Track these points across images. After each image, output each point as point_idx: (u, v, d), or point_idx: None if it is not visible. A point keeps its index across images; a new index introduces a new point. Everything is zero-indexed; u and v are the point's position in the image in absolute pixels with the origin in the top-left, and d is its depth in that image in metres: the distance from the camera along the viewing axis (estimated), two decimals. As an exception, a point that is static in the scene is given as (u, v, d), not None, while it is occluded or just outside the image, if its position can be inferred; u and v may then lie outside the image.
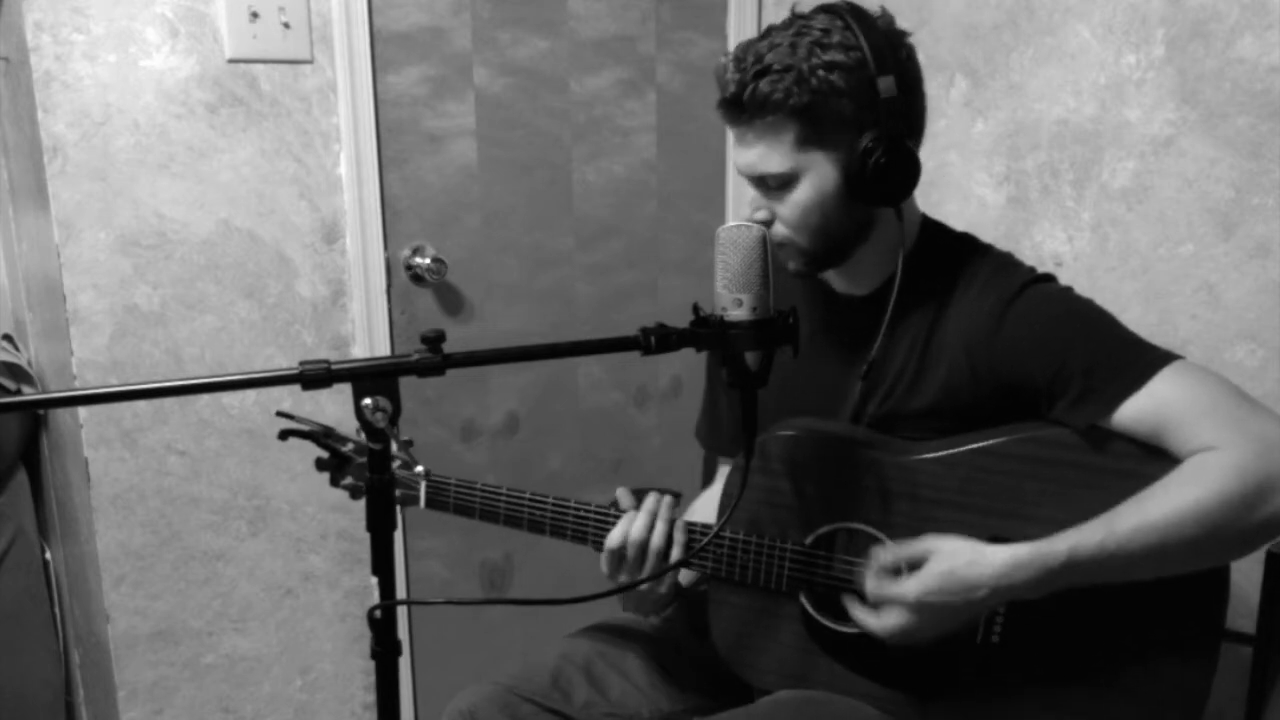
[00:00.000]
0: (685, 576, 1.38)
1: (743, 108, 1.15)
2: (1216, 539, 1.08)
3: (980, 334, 1.19)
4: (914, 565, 1.13)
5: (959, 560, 1.11)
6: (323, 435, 1.33)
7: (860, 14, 1.16)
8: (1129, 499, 1.10)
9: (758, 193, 1.22)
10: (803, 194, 1.18)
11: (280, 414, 1.33)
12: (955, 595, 1.11)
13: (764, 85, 1.13)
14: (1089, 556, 1.08)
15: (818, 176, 1.17)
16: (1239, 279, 1.61)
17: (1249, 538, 1.10)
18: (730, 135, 1.21)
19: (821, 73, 1.12)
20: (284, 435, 1.30)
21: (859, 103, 1.14)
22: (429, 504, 1.33)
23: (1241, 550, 1.12)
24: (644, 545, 1.24)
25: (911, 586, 1.11)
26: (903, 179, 1.17)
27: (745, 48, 1.17)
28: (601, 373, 2.22)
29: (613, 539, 1.25)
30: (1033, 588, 1.10)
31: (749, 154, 1.18)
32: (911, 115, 1.19)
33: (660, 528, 1.25)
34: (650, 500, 1.27)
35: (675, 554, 1.25)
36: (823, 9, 1.18)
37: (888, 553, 1.15)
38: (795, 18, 1.18)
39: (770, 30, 1.17)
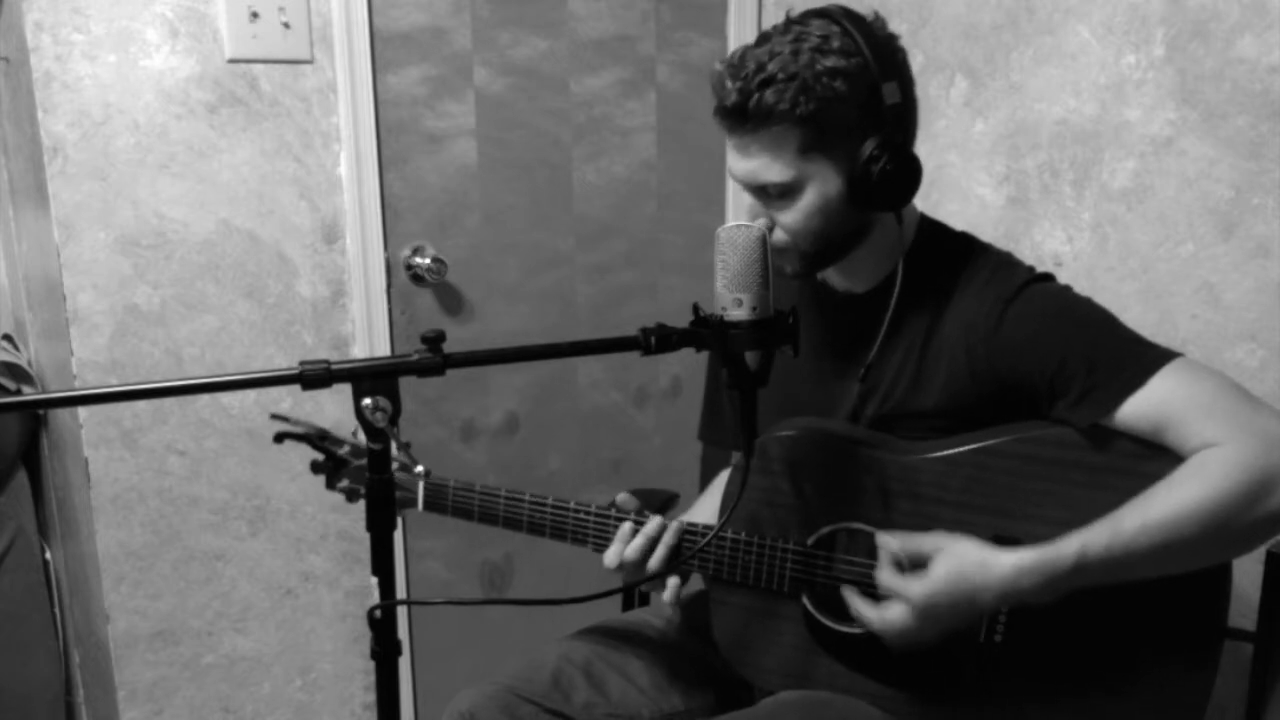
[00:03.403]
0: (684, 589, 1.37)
1: (746, 117, 1.14)
2: (1220, 535, 1.08)
3: (979, 334, 1.19)
4: (919, 561, 1.13)
5: (967, 563, 1.10)
6: (317, 438, 1.33)
7: (856, 19, 1.16)
8: (1132, 499, 1.09)
9: (755, 201, 1.21)
10: (806, 201, 1.17)
11: (275, 416, 1.33)
12: (960, 599, 1.11)
13: (769, 95, 1.11)
14: (1096, 559, 1.07)
15: (821, 184, 1.16)
16: (1239, 279, 1.61)
17: (1253, 534, 1.10)
18: (728, 141, 1.19)
19: (825, 80, 1.11)
20: (279, 438, 1.30)
21: (861, 109, 1.13)
22: (427, 506, 1.33)
23: (1245, 546, 1.12)
24: (639, 565, 1.26)
25: (917, 587, 1.11)
26: (906, 184, 1.17)
27: (742, 55, 1.15)
28: (601, 373, 2.22)
29: (609, 559, 1.26)
30: (1040, 592, 1.09)
31: (750, 163, 1.17)
32: (910, 120, 1.19)
33: (659, 553, 1.25)
34: (652, 525, 1.26)
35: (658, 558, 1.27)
36: (817, 14, 1.17)
37: (895, 543, 1.15)
38: (790, 23, 1.17)
39: (766, 36, 1.16)
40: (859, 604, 1.16)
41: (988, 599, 1.11)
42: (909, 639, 1.14)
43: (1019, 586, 1.09)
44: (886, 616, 1.13)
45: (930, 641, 1.14)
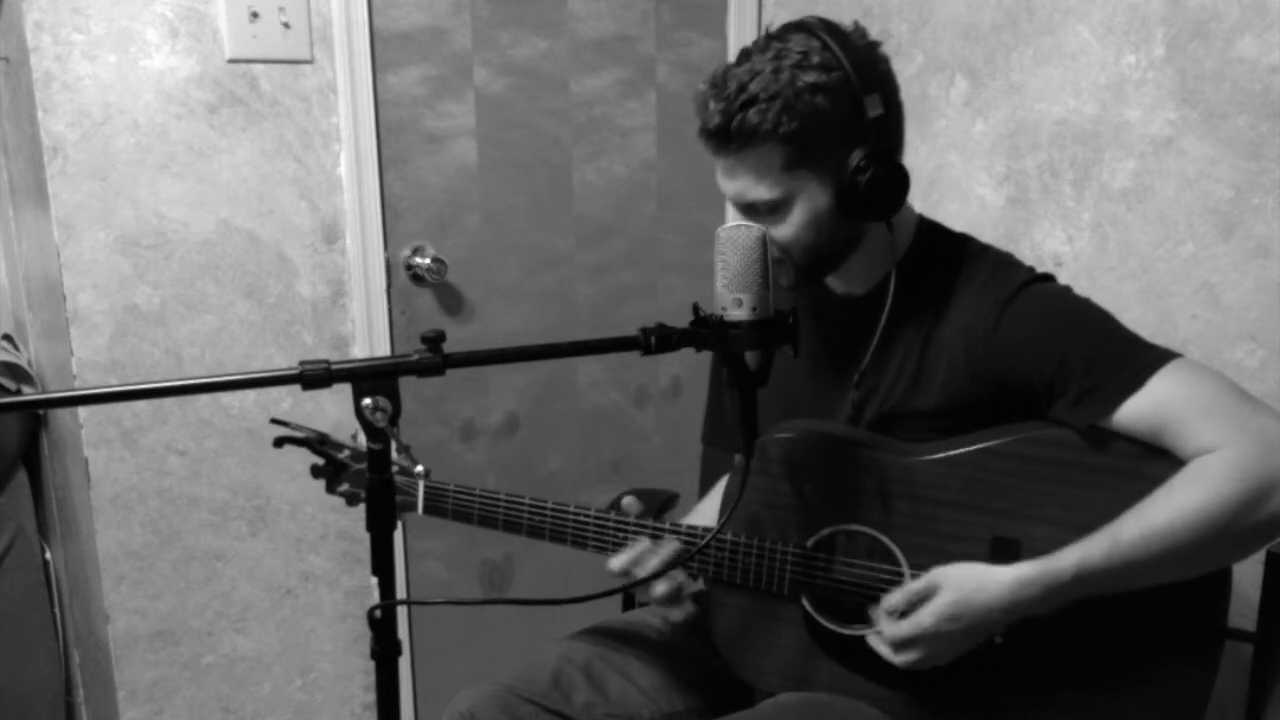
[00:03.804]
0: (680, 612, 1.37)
1: (729, 138, 1.14)
2: (1221, 541, 1.08)
3: (978, 335, 1.19)
4: (923, 598, 1.14)
5: (967, 587, 1.11)
6: (317, 442, 1.33)
7: (835, 30, 1.16)
8: (1132, 507, 1.10)
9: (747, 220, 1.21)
10: (796, 216, 1.18)
11: (275, 421, 1.33)
12: (967, 621, 1.12)
13: (752, 115, 1.12)
14: (1096, 569, 1.08)
15: (809, 199, 1.17)
16: (1239, 279, 1.61)
17: (1254, 538, 1.10)
18: (715, 162, 1.20)
19: (807, 96, 1.12)
20: (279, 443, 1.30)
21: (845, 123, 1.14)
22: (426, 510, 1.33)
23: (1246, 550, 1.12)
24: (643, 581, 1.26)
25: (925, 621, 1.12)
26: (893, 194, 1.17)
27: (724, 75, 1.15)
28: (601, 373, 2.22)
29: (615, 564, 1.26)
30: (1041, 604, 1.10)
31: (736, 183, 1.18)
32: (895, 129, 1.19)
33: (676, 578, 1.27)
34: (669, 550, 1.26)
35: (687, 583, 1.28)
36: (796, 27, 1.17)
37: (897, 594, 1.16)
38: (770, 39, 1.16)
39: (747, 54, 1.16)
40: (878, 645, 1.18)
41: (994, 616, 1.12)
42: (927, 666, 1.15)
43: (1020, 599, 1.10)
44: (904, 656, 1.15)
45: (946, 663, 1.16)
